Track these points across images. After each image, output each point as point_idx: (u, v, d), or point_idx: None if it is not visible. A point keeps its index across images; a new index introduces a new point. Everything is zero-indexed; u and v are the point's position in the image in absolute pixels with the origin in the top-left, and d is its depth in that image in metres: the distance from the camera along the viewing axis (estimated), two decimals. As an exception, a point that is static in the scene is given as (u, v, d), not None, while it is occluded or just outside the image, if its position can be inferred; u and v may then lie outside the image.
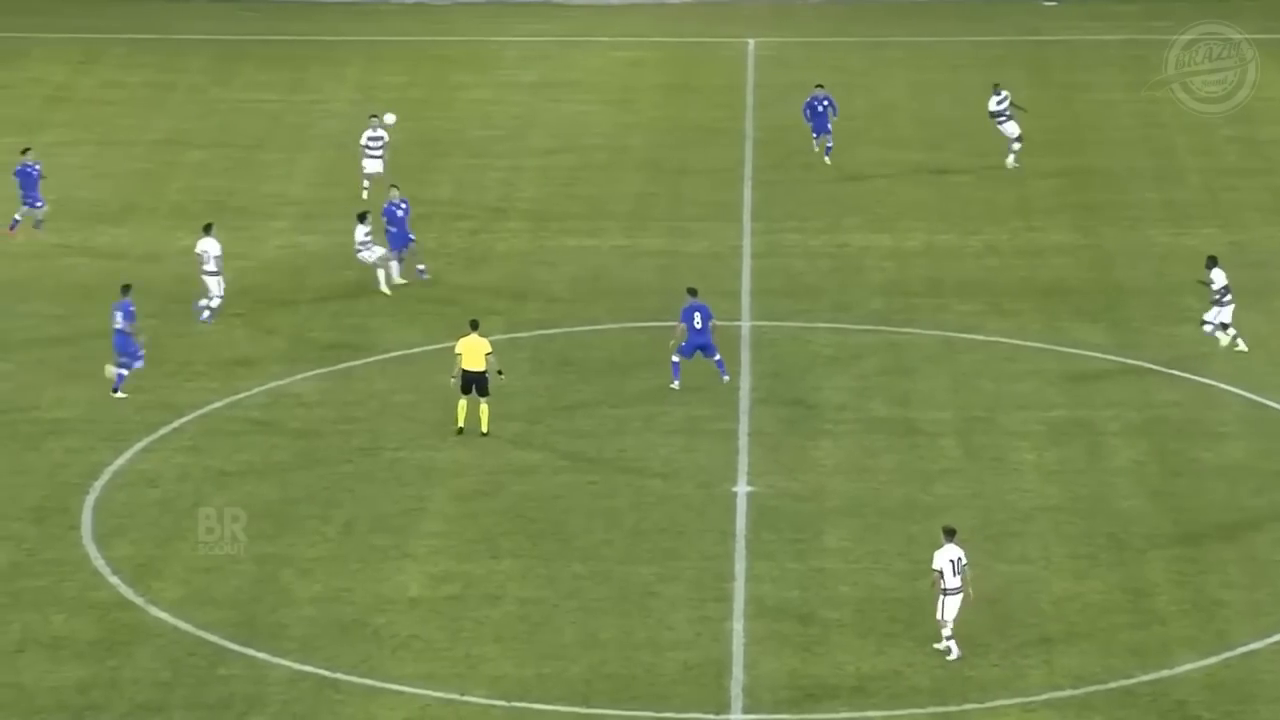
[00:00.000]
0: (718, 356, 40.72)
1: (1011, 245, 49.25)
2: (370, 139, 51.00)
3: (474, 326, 38.77)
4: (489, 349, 38.37)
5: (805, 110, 53.75)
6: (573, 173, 54.14)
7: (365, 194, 50.08)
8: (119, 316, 40.30)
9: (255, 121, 58.27)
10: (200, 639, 32.09)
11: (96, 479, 37.21)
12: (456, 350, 38.51)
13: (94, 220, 50.86)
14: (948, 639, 31.44)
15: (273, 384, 41.35)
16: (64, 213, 51.32)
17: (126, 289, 40.70)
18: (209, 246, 44.18)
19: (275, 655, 31.66)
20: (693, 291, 41.14)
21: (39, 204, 49.01)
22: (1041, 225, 50.50)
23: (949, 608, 31.41)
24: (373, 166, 51.03)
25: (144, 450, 38.23)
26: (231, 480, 37.19)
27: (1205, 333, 42.60)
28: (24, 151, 49.47)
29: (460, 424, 38.37)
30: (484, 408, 38.38)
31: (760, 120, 58.06)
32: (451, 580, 33.90)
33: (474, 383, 38.30)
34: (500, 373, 38.52)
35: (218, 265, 44.12)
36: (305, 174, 54.30)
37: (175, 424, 39.45)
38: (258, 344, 43.36)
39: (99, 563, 34.39)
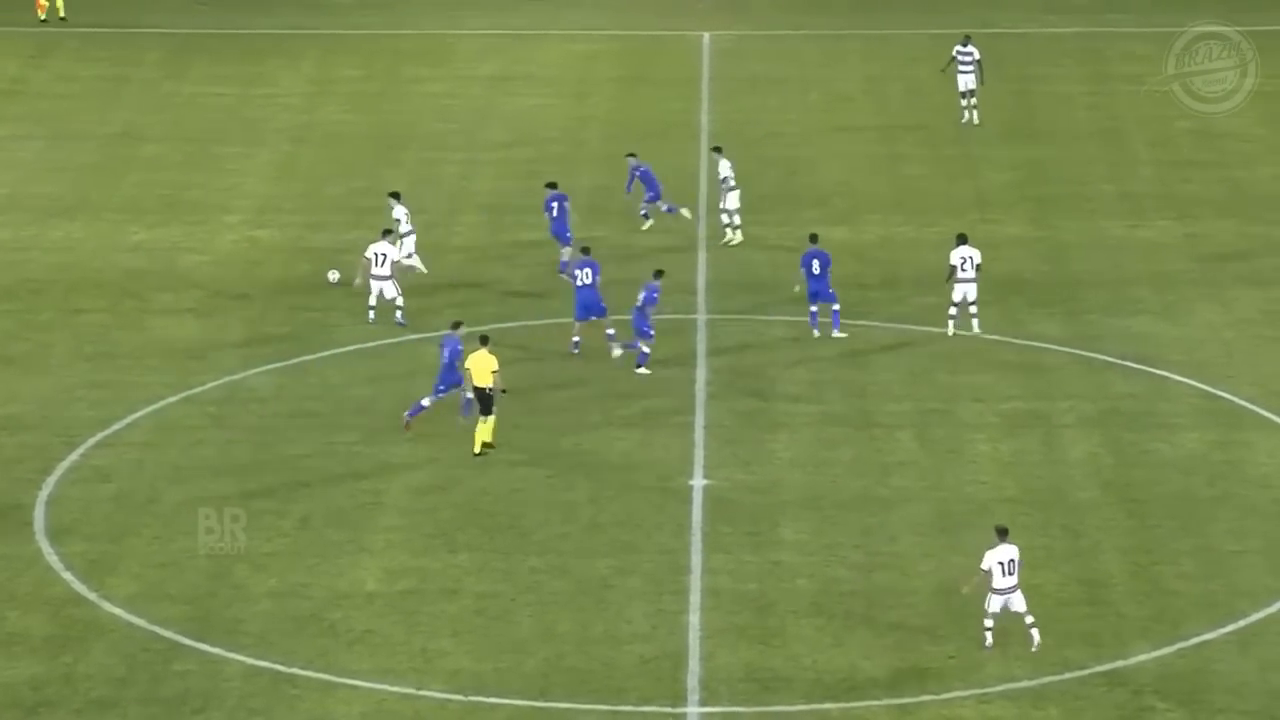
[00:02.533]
0: (836, 306, 42.30)
1: (968, 237, 49.30)
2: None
3: (483, 342, 37.96)
4: (495, 366, 37.53)
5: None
6: (529, 166, 54.05)
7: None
8: (445, 351, 38.22)
9: (210, 115, 58.06)
10: (155, 635, 31.96)
11: (49, 474, 37.02)
12: (466, 365, 37.70)
13: (47, 214, 50.61)
14: (989, 630, 31.32)
15: (227, 378, 41.19)
16: (16, 206, 51.10)
17: (457, 325, 38.69)
18: (386, 249, 43.06)
19: (231, 650, 31.55)
20: (813, 238, 42.82)
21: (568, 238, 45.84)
22: (997, 217, 50.60)
23: (995, 603, 31.19)
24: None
25: (97, 445, 38.05)
26: (186, 475, 37.04)
27: (952, 314, 42.61)
28: (550, 185, 46.41)
29: (478, 448, 37.49)
30: (483, 424, 37.49)
31: (716, 113, 58.05)
32: (408, 575, 33.82)
33: (480, 399, 37.42)
34: (504, 390, 37.75)
35: (391, 270, 42.92)
36: (260, 168, 54.13)
37: (129, 419, 39.29)
38: (212, 338, 43.20)
39: (52, 559, 34.21)
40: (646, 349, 40.95)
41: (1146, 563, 34.28)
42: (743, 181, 50.09)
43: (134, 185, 52.71)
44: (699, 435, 38.68)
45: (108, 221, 50.17)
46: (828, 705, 30.31)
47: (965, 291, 42.76)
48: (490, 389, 37.50)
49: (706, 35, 65.30)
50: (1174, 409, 40.02)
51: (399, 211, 46.01)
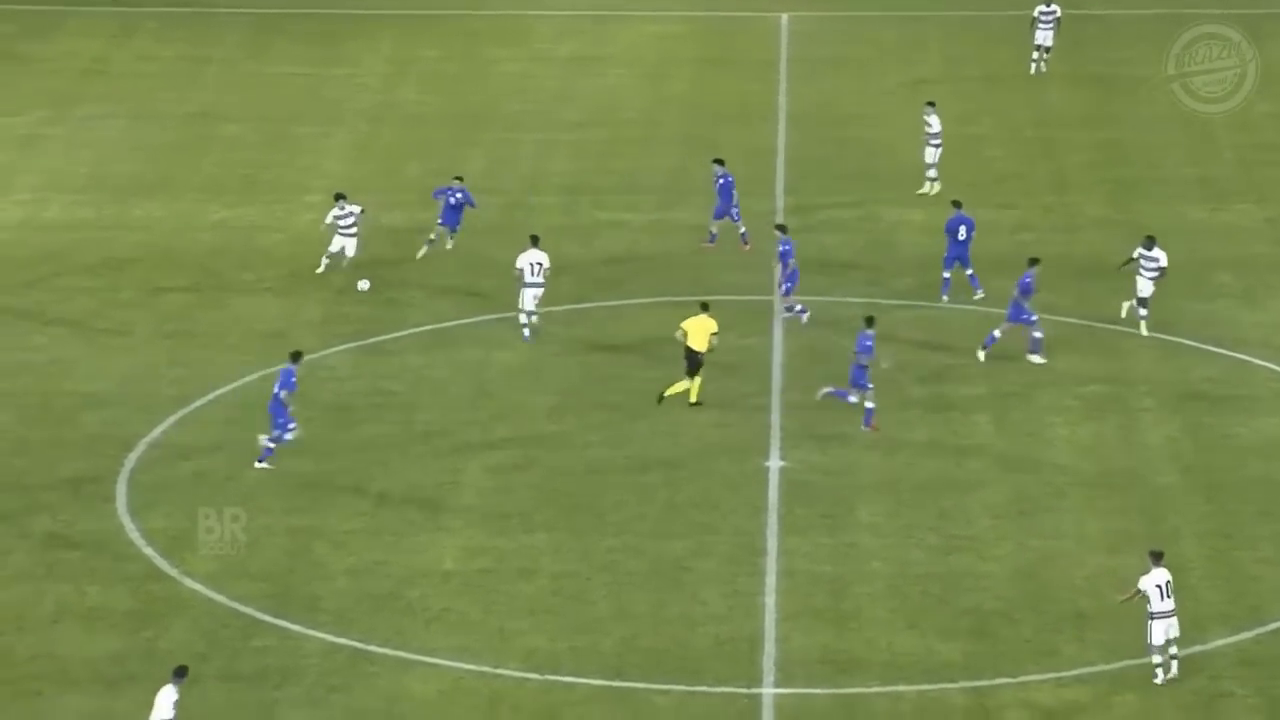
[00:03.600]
0: (970, 271, 43.20)
1: (1046, 220, 49.13)
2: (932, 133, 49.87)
3: (704, 308, 38.79)
4: (714, 329, 38.49)
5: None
6: (606, 147, 54.09)
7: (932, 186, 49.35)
8: (857, 345, 38.32)
9: (289, 95, 58.32)
10: (234, 611, 32.22)
11: (131, 451, 37.34)
12: (682, 326, 38.51)
13: (129, 194, 50.96)
14: (1159, 665, 30.35)
15: (307, 357, 41.34)
16: (98, 186, 51.48)
17: (870, 321, 38.30)
18: (540, 258, 42.07)
19: (309, 627, 31.77)
20: (957, 204, 43.84)
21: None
22: (1076, 200, 50.37)
23: (1157, 631, 30.38)
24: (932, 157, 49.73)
25: (178, 423, 38.34)
26: (265, 453, 37.29)
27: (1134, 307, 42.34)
28: (718, 161, 46.76)
29: (669, 394, 38.50)
30: (696, 381, 38.49)
31: (793, 95, 57.96)
32: (485, 554, 33.98)
33: (691, 360, 38.44)
34: (711, 350, 38.53)
35: (545, 276, 42.01)
36: (338, 148, 54.35)
37: (210, 396, 39.57)
38: (290, 317, 43.45)
39: (134, 534, 34.53)
40: (1038, 333, 40.53)
41: (1225, 547, 34.11)
42: (821, 163, 49.99)
43: (214, 165, 53.01)
44: (775, 417, 38.67)
45: (188, 201, 50.48)
46: (903, 687, 30.30)
47: (1142, 288, 42.16)
48: (702, 351, 38.33)
49: (785, 17, 65.16)
50: (1254, 393, 39.78)
51: (352, 210, 45.25)
